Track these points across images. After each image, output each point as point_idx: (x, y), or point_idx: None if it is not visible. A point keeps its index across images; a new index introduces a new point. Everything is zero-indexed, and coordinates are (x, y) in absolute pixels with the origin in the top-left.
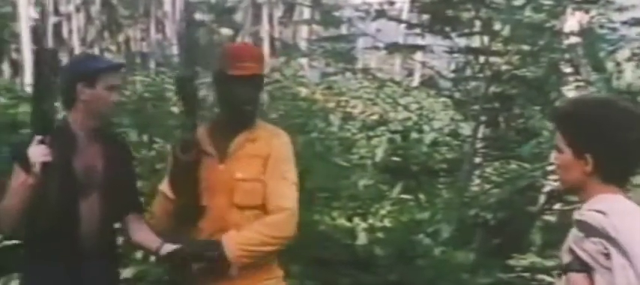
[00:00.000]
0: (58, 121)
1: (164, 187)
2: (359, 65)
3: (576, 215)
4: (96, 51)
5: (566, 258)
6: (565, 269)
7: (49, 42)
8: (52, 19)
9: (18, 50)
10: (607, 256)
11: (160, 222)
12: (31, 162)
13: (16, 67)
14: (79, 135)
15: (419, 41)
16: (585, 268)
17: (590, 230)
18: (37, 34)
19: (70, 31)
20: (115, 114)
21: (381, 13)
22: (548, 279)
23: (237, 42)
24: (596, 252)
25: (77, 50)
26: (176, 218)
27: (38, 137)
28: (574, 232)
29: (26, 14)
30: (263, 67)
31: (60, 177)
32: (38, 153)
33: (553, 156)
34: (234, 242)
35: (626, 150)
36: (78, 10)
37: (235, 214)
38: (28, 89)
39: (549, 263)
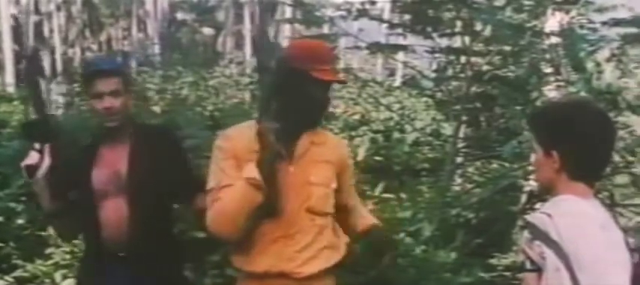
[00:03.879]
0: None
1: (253, 174)
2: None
3: (528, 217)
4: (77, 51)
5: (520, 258)
6: (519, 269)
7: (30, 41)
8: (33, 18)
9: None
10: (544, 258)
11: (236, 218)
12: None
13: None
14: (102, 139)
15: (401, 41)
16: (536, 268)
17: (536, 233)
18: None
19: (51, 30)
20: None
21: (362, 13)
22: None
23: (311, 40)
24: (538, 254)
25: (58, 49)
26: (257, 213)
27: (36, 145)
28: (526, 234)
29: (7, 13)
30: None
31: (72, 184)
32: (28, 158)
33: (533, 157)
34: None
35: (591, 148)
36: (59, 8)
37: (306, 219)
38: (10, 89)
39: None
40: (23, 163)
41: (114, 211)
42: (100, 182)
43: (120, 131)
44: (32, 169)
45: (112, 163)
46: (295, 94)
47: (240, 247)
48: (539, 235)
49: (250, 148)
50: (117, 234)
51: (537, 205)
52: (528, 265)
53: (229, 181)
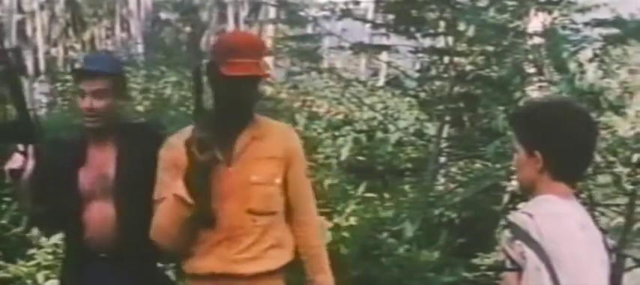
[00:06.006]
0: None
1: (179, 191)
2: (324, 65)
3: (509, 216)
4: (60, 50)
5: (501, 257)
6: (500, 268)
7: (13, 40)
8: (16, 17)
9: None
10: (525, 258)
11: (171, 232)
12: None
13: None
14: (88, 140)
15: (384, 41)
16: (517, 267)
17: (517, 232)
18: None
19: (34, 29)
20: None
21: (346, 13)
22: None
23: (233, 31)
24: (518, 253)
25: (41, 48)
26: (191, 225)
27: (19, 146)
28: (507, 233)
29: None
30: (263, 62)
31: (56, 184)
32: (11, 161)
33: (515, 157)
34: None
35: (573, 148)
36: (42, 7)
37: (248, 220)
38: None
39: None
40: (7, 166)
41: (99, 212)
42: (86, 184)
43: (106, 132)
44: (16, 172)
45: (99, 165)
46: (213, 91)
47: (186, 251)
48: (519, 234)
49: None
50: (101, 235)
51: (520, 205)
52: (508, 265)
53: (166, 193)
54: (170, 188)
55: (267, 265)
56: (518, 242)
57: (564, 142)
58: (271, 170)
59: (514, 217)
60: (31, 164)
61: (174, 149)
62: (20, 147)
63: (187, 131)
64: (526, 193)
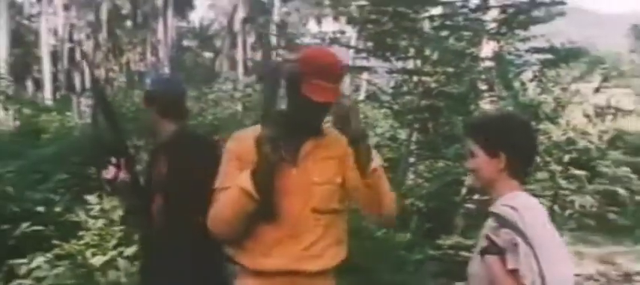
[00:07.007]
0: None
1: (246, 184)
2: None
3: (493, 208)
4: (102, 71)
5: (483, 243)
6: (483, 252)
7: (65, 63)
8: (67, 45)
9: (39, 71)
10: (516, 245)
11: (231, 222)
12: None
13: (38, 84)
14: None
15: (365, 63)
16: (499, 252)
17: (504, 222)
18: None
19: (83, 55)
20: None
21: (334, 40)
22: (468, 254)
23: (320, 48)
24: (508, 241)
25: (86, 71)
26: (251, 219)
27: (112, 159)
28: (490, 223)
29: (46, 41)
30: (341, 86)
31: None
32: (106, 172)
33: (467, 162)
34: None
35: (527, 151)
36: (88, 37)
37: (311, 219)
38: (48, 102)
39: (469, 242)
40: (103, 176)
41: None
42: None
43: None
44: (111, 181)
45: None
46: (288, 99)
47: (243, 244)
48: (507, 224)
49: (253, 151)
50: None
51: (475, 197)
52: (493, 250)
53: (229, 183)
54: (232, 179)
55: (328, 262)
56: (505, 231)
57: (523, 146)
58: (332, 170)
59: (498, 209)
60: (123, 174)
61: (240, 143)
62: (113, 159)
63: (253, 129)
64: (483, 189)
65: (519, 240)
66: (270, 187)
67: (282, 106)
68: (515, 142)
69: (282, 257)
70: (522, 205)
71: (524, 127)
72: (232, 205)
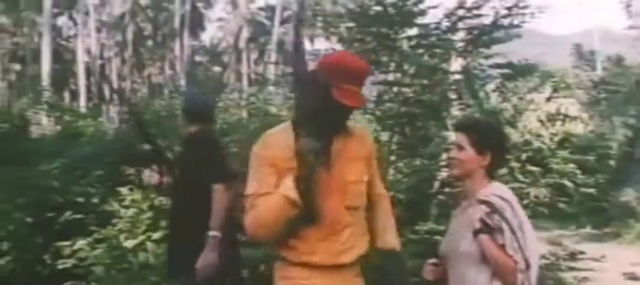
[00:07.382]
0: None
1: (290, 192)
2: None
3: (481, 196)
4: (128, 83)
5: (477, 225)
6: (477, 232)
7: (97, 76)
8: (98, 62)
9: (75, 83)
10: (502, 227)
11: (273, 227)
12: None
13: (74, 95)
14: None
15: None
16: (490, 232)
17: (494, 209)
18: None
19: (111, 70)
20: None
21: None
22: (440, 238)
23: (348, 53)
24: (497, 222)
25: (115, 84)
26: (295, 223)
27: (154, 166)
28: (482, 208)
29: (82, 58)
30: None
31: None
32: (151, 178)
33: (451, 153)
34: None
35: (505, 154)
36: (116, 54)
37: (346, 216)
38: (83, 110)
39: (441, 228)
40: (147, 183)
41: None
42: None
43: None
44: (156, 186)
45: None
46: (315, 100)
47: (287, 242)
48: (497, 211)
49: (287, 155)
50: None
51: (446, 190)
52: (485, 230)
53: (267, 189)
54: (269, 185)
55: (360, 251)
56: (497, 217)
57: (505, 149)
58: (361, 169)
59: (489, 198)
60: (165, 179)
61: (272, 149)
62: (155, 167)
63: (282, 130)
64: (459, 177)
65: (505, 226)
66: (314, 193)
67: (309, 109)
68: (501, 145)
69: (324, 253)
70: (507, 196)
71: (505, 134)
72: (275, 211)
